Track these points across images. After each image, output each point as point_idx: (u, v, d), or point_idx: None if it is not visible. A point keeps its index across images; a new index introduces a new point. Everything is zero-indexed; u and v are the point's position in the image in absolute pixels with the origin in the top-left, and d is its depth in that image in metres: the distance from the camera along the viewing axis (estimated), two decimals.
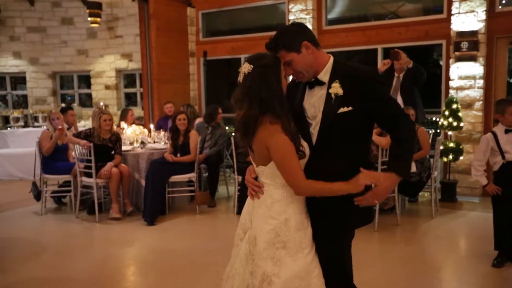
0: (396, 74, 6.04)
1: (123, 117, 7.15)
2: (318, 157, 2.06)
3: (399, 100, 6.04)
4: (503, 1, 6.18)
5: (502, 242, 3.81)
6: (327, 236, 2.10)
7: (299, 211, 2.09)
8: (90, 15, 8.72)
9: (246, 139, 2.05)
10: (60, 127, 5.79)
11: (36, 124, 9.48)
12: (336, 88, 2.01)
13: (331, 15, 7.57)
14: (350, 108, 1.99)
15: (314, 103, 2.08)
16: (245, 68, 2.00)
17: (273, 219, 2.06)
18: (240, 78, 2.03)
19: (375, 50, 7.03)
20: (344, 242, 2.18)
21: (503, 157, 3.72)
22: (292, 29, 2.10)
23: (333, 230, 2.10)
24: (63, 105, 9.86)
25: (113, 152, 5.57)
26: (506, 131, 3.71)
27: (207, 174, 6.43)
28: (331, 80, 2.03)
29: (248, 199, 2.22)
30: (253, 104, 1.96)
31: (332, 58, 2.11)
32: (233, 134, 6.06)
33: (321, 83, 2.06)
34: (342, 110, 1.99)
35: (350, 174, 2.00)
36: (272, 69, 1.99)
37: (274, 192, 2.08)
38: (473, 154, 6.17)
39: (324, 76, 2.06)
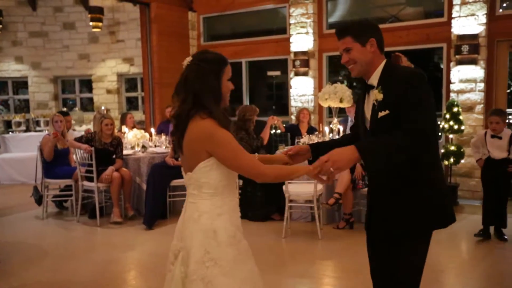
0: None
1: (123, 121, 7.17)
2: None
3: None
4: (504, 5, 6.19)
5: (486, 216, 4.63)
6: (399, 241, 2.07)
7: (229, 223, 1.94)
8: (92, 19, 8.75)
9: (178, 135, 1.95)
10: (53, 132, 5.78)
11: (37, 128, 9.50)
12: (376, 94, 2.04)
13: (332, 19, 7.59)
14: (387, 111, 1.99)
15: (368, 107, 2.14)
16: (187, 60, 1.97)
17: (201, 233, 1.90)
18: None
19: None
20: (419, 248, 2.13)
21: (488, 152, 4.67)
22: (368, 23, 2.16)
23: (406, 233, 2.07)
24: (65, 109, 9.90)
25: (114, 156, 5.58)
26: (492, 136, 4.61)
27: None
28: (378, 84, 2.06)
29: (180, 217, 2.07)
30: (187, 98, 1.90)
31: (384, 61, 2.12)
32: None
33: (372, 87, 2.10)
34: (381, 114, 2.01)
35: (398, 183, 2.03)
36: (212, 65, 1.92)
37: (201, 203, 1.94)
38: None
39: (374, 80, 2.09)
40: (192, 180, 1.97)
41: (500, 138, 4.55)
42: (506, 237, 4.55)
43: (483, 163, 4.76)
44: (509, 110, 7.04)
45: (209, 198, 1.94)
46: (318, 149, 2.24)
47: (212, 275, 1.84)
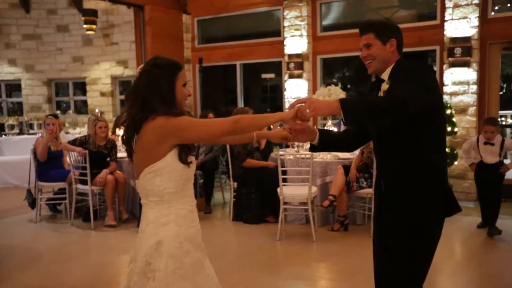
0: None
1: (117, 124, 7.13)
2: (381, 154, 2.18)
3: None
4: (496, 8, 6.25)
5: (484, 212, 4.93)
6: (408, 231, 2.07)
7: (175, 233, 1.84)
8: (86, 22, 8.72)
9: (128, 142, 1.93)
10: (51, 128, 5.73)
11: (31, 131, 9.45)
12: (384, 86, 2.10)
13: (326, 22, 7.62)
14: None
15: None
16: (140, 67, 1.96)
17: (145, 244, 1.84)
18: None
19: None
20: (429, 239, 2.15)
21: (481, 157, 4.85)
22: (391, 24, 2.24)
23: (415, 223, 2.07)
24: (58, 112, 9.86)
25: (108, 159, 5.56)
26: (485, 143, 4.79)
27: (202, 180, 6.43)
28: (389, 78, 2.12)
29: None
30: (135, 102, 1.87)
31: (398, 58, 2.17)
32: None
33: (383, 80, 2.15)
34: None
35: (405, 174, 2.07)
36: (163, 70, 1.88)
37: (149, 213, 1.89)
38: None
39: (386, 75, 2.14)
40: (140, 188, 1.92)
41: (493, 144, 4.74)
42: (500, 229, 4.68)
43: (476, 167, 4.95)
44: (501, 112, 7.11)
45: (155, 206, 1.87)
46: (324, 136, 2.27)
47: (152, 287, 1.77)
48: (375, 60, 2.13)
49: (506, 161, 5.04)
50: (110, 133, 5.82)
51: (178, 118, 1.82)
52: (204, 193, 6.06)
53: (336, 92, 5.58)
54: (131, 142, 1.90)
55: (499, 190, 4.82)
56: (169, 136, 1.81)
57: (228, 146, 5.69)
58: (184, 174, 1.88)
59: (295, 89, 7.54)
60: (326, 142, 2.27)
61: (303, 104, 1.93)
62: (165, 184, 1.85)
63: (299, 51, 7.41)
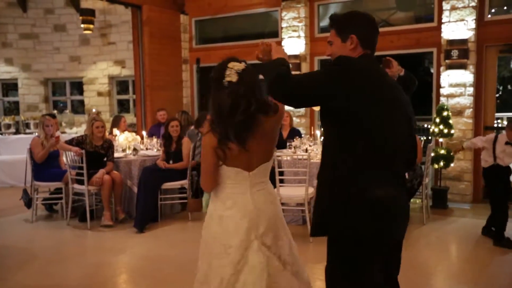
0: None
1: (115, 124, 7.13)
2: None
3: None
4: (492, 10, 6.28)
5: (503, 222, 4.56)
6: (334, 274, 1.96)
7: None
8: (83, 22, 8.72)
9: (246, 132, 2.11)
10: (57, 135, 5.77)
11: (27, 131, 9.42)
12: None
13: (324, 23, 7.63)
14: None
15: None
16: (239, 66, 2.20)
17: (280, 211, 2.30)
18: (234, 78, 2.15)
19: None
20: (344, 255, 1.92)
21: (494, 160, 4.55)
22: (353, 17, 2.05)
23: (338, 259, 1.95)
24: (55, 111, 9.83)
25: (105, 159, 5.55)
26: (506, 143, 4.48)
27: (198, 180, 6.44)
28: None
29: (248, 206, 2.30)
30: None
31: (360, 55, 1.99)
32: None
33: None
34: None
35: (319, 175, 1.97)
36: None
37: (270, 187, 2.31)
38: (463, 161, 6.25)
39: None
40: (266, 169, 2.21)
41: None
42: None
43: (486, 171, 4.67)
44: (497, 115, 7.14)
45: (268, 182, 2.25)
46: None
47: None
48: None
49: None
50: (107, 133, 5.81)
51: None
52: (201, 194, 6.09)
53: None
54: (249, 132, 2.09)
55: (509, 195, 4.60)
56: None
57: None
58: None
59: None
60: None
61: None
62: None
63: (296, 52, 7.42)
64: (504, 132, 4.63)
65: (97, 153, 5.48)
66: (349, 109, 1.79)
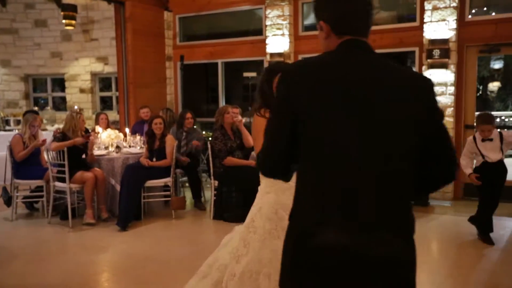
0: None
1: (97, 121, 7.06)
2: None
3: None
4: (473, 11, 6.38)
5: (486, 224, 4.59)
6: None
7: (273, 201, 2.32)
8: (65, 17, 8.57)
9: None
10: (44, 138, 5.67)
11: (7, 127, 9.25)
12: None
13: (308, 21, 7.66)
14: None
15: None
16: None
17: (253, 207, 2.43)
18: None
19: None
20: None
21: (483, 158, 4.57)
22: (322, 1, 1.57)
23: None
24: (36, 108, 9.67)
25: (84, 156, 5.48)
26: (482, 140, 4.54)
27: (184, 178, 6.43)
28: None
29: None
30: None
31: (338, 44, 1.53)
32: (210, 138, 6.04)
33: None
34: None
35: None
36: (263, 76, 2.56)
37: (261, 183, 2.44)
38: None
39: None
40: None
41: (491, 140, 4.50)
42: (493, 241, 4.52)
43: (478, 168, 4.59)
44: (477, 114, 7.26)
45: (263, 178, 2.33)
46: None
47: (251, 239, 2.32)
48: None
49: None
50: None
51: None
52: (193, 191, 6.11)
53: None
54: None
55: (500, 195, 4.56)
56: None
57: (209, 145, 5.67)
58: None
59: None
60: None
61: None
62: None
63: (280, 50, 7.43)
64: (476, 133, 4.64)
65: (77, 148, 5.40)
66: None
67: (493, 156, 4.51)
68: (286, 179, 1.55)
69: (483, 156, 4.55)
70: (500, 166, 4.56)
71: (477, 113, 6.96)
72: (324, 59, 1.49)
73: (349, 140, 1.35)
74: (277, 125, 1.46)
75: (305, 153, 1.40)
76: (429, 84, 1.50)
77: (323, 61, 1.47)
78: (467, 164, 4.61)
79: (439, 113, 1.55)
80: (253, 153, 5.63)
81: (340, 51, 1.49)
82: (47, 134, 6.93)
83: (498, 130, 4.63)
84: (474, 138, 4.61)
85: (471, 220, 4.78)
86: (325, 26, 1.52)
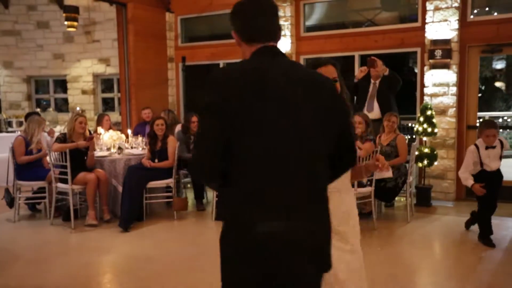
0: (372, 81, 6.17)
1: (99, 122, 7.06)
2: None
3: (376, 106, 6.16)
4: (475, 11, 6.37)
5: (487, 229, 4.52)
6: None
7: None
8: (67, 19, 8.59)
9: None
10: (44, 152, 5.70)
11: (9, 129, 9.26)
12: None
13: (309, 22, 7.66)
14: None
15: None
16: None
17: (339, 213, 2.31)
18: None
19: (352, 57, 7.14)
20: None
21: (482, 167, 4.50)
22: (233, 8, 1.67)
23: None
24: (38, 110, 9.68)
25: (85, 158, 5.48)
26: (486, 148, 4.47)
27: (186, 179, 6.43)
28: None
29: None
30: None
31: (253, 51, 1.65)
32: None
33: None
34: None
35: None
36: None
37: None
38: (447, 160, 6.33)
39: None
40: None
41: (494, 147, 4.46)
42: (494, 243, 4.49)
43: (477, 173, 4.54)
44: (479, 114, 7.25)
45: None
46: None
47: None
48: None
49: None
50: (87, 131, 5.73)
51: None
52: (196, 191, 6.11)
53: None
54: None
55: (497, 197, 4.54)
56: None
57: None
58: None
59: None
60: None
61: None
62: None
63: (282, 51, 7.43)
64: (479, 139, 4.56)
65: (79, 151, 5.40)
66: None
67: (493, 164, 4.48)
68: (218, 182, 1.58)
69: (482, 164, 4.49)
70: (497, 174, 4.54)
71: (479, 113, 6.97)
72: (244, 65, 1.62)
73: (277, 139, 1.49)
74: (208, 129, 1.52)
75: (237, 154, 1.49)
76: (329, 81, 1.72)
77: (244, 67, 1.60)
78: (468, 177, 4.52)
79: (340, 105, 1.70)
80: None
81: (255, 58, 1.62)
82: (47, 136, 6.90)
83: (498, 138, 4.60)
84: (477, 147, 4.52)
85: (468, 223, 4.86)
86: (235, 35, 1.66)
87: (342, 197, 2.21)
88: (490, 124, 4.57)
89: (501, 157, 4.54)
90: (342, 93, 2.24)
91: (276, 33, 1.68)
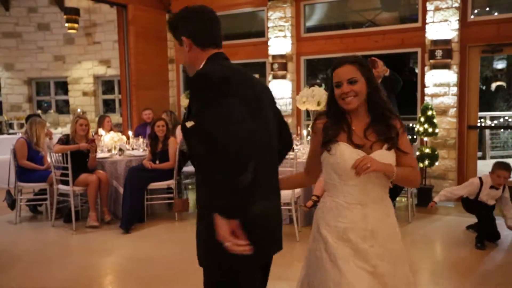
0: None
1: (100, 124, 7.08)
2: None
3: None
4: (475, 11, 6.37)
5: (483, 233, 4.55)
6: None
7: (322, 220, 2.07)
8: (68, 21, 8.61)
9: None
10: (49, 161, 5.71)
11: (11, 131, 9.28)
12: (183, 99, 1.95)
13: (310, 23, 7.67)
14: (192, 123, 1.59)
15: None
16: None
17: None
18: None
19: None
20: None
21: (476, 198, 4.55)
22: (183, 14, 1.74)
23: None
24: (39, 111, 9.70)
25: (87, 160, 5.49)
26: (491, 187, 4.47)
27: (188, 180, 6.43)
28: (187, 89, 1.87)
29: None
30: None
31: (205, 61, 1.72)
32: None
33: None
34: (188, 124, 1.62)
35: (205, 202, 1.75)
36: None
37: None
38: (448, 160, 6.32)
39: None
40: None
41: (498, 189, 4.50)
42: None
43: (465, 201, 4.66)
44: (480, 114, 7.25)
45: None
46: None
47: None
48: (184, 66, 1.79)
49: None
50: (91, 134, 5.75)
51: None
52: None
53: (319, 93, 5.62)
54: None
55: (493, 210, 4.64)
56: None
57: None
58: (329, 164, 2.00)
59: (279, 90, 7.56)
60: None
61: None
62: (325, 175, 2.06)
63: (283, 52, 7.44)
64: (487, 174, 4.56)
65: (81, 152, 5.42)
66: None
67: (491, 202, 4.54)
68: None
69: (477, 197, 4.53)
70: (492, 206, 4.59)
71: (480, 113, 6.95)
72: (232, 66, 1.77)
73: (264, 131, 1.69)
74: (238, 112, 1.54)
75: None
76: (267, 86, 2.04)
77: (232, 67, 1.76)
78: (444, 197, 4.63)
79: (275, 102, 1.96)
80: None
81: (219, 62, 1.74)
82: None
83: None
84: (481, 182, 4.51)
85: (471, 227, 4.88)
86: (187, 40, 1.71)
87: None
88: (506, 166, 4.49)
89: (497, 200, 4.58)
90: (378, 92, 2.08)
91: (221, 41, 1.84)
